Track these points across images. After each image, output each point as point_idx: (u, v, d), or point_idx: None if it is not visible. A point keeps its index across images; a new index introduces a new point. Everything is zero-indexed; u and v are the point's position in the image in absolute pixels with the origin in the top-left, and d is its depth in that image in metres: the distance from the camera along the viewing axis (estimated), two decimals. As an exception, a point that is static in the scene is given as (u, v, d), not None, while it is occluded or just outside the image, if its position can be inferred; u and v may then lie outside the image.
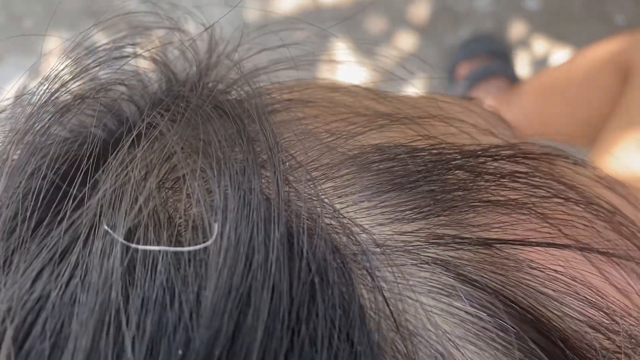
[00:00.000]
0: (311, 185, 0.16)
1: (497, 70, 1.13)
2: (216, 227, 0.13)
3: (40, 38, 1.20)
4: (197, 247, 0.13)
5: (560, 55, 1.19)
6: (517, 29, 1.23)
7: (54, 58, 0.19)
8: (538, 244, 0.17)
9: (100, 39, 0.20)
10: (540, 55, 1.21)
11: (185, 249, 0.13)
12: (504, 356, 0.15)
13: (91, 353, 0.13)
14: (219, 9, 1.24)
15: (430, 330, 0.14)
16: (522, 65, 1.21)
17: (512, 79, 1.11)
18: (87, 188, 0.15)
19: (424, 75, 1.17)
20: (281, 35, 0.23)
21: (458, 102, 0.24)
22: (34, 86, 0.18)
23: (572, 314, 0.16)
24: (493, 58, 1.17)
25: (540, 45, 1.21)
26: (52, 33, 1.19)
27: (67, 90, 0.18)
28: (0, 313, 0.13)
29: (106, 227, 0.14)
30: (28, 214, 0.15)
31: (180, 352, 0.12)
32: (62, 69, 0.18)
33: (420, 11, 1.25)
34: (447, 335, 0.15)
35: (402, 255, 0.15)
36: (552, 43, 1.21)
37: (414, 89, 1.21)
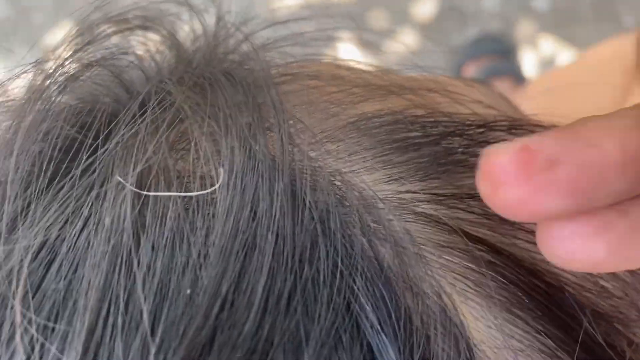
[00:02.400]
0: (315, 145, 0.17)
1: (503, 70, 1.13)
2: (222, 172, 0.14)
3: (49, 32, 1.21)
4: (205, 191, 0.14)
5: (567, 56, 1.19)
6: (524, 29, 1.24)
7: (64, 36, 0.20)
8: None
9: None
10: (548, 55, 1.21)
11: (194, 193, 0.14)
12: (498, 308, 0.15)
13: (104, 292, 0.13)
14: None
15: (431, 282, 0.15)
16: (529, 66, 1.21)
17: (518, 80, 1.11)
18: (99, 140, 0.15)
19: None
20: (289, 26, 0.24)
21: (463, 81, 0.25)
22: (45, 56, 0.19)
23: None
24: (499, 58, 1.17)
25: (547, 45, 1.21)
26: (61, 27, 1.20)
27: (77, 59, 0.19)
28: (18, 253, 0.14)
29: (118, 177, 0.14)
30: (44, 169, 0.15)
31: (188, 291, 0.13)
32: (72, 40, 0.19)
33: (426, 11, 1.26)
34: (446, 287, 0.15)
35: (401, 210, 0.16)
36: (560, 44, 1.21)
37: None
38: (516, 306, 0.16)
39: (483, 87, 0.25)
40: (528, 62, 1.21)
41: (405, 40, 1.25)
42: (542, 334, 0.15)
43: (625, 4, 1.19)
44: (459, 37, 1.24)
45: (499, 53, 1.18)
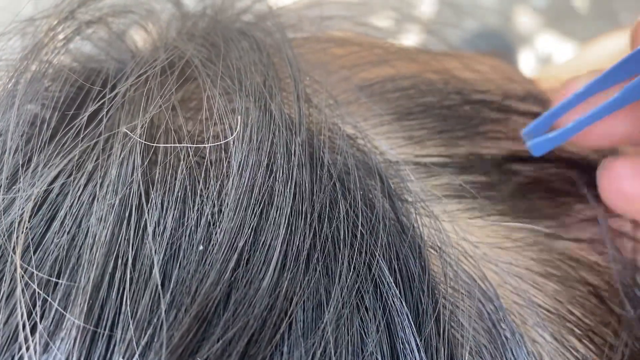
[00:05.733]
0: (333, 106, 0.16)
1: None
2: (239, 120, 0.13)
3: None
4: (219, 142, 0.13)
5: (565, 52, 1.19)
6: (522, 25, 1.23)
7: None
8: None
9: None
10: (546, 52, 1.21)
11: (207, 145, 0.13)
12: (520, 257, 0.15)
13: (110, 247, 0.12)
14: None
15: (454, 244, 0.14)
16: (526, 62, 1.21)
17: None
18: (106, 90, 0.15)
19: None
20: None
21: (475, 54, 0.24)
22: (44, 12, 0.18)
23: None
24: (497, 54, 1.17)
25: (545, 41, 1.21)
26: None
27: (77, 17, 0.18)
28: (18, 207, 0.13)
29: (125, 129, 0.14)
30: (46, 121, 0.15)
31: (201, 247, 0.12)
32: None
33: (423, 5, 1.25)
34: (469, 250, 0.15)
35: (420, 172, 0.16)
36: (558, 40, 1.21)
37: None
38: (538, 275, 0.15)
39: (493, 58, 0.25)
40: (525, 59, 1.21)
41: (401, 36, 1.24)
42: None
43: (621, 1, 1.19)
44: (455, 33, 1.23)
45: (497, 49, 1.17)
